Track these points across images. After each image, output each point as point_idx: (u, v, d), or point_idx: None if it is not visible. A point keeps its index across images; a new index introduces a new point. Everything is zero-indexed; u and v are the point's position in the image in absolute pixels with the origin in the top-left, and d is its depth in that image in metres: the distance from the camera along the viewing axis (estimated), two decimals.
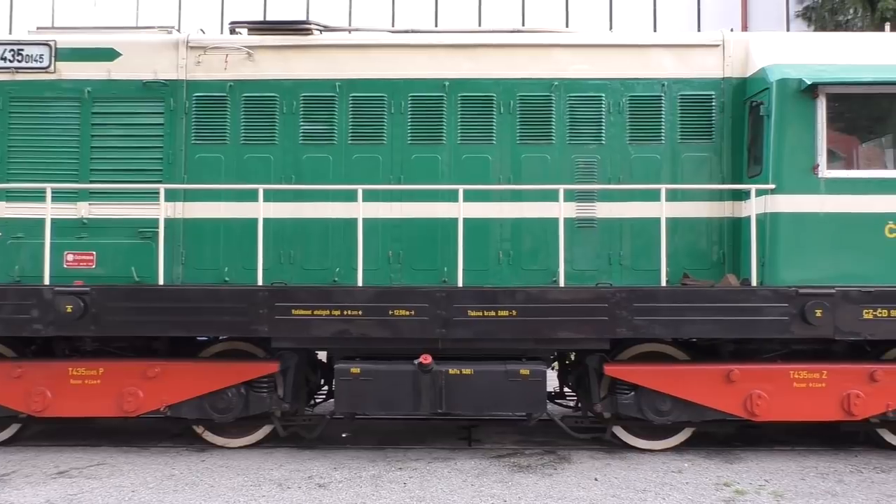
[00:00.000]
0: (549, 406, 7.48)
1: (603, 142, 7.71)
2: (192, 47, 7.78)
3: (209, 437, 7.44)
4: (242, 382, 7.18)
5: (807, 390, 6.98)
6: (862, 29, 15.72)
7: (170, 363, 7.24)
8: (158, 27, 8.17)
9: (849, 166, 7.32)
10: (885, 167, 7.30)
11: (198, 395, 7.14)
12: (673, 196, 7.37)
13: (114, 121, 7.70)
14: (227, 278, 7.60)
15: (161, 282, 7.17)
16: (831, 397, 6.97)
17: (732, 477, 6.48)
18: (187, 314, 6.94)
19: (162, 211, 7.24)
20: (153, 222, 7.30)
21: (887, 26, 9.16)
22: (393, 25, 18.70)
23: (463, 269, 7.05)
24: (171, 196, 7.53)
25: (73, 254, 7.55)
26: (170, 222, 7.47)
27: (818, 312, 6.72)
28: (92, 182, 7.61)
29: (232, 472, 6.57)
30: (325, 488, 6.14)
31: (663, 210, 7.06)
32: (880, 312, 6.79)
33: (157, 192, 7.26)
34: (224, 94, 7.75)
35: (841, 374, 7.00)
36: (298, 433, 7.57)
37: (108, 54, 7.74)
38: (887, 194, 6.97)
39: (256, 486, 6.20)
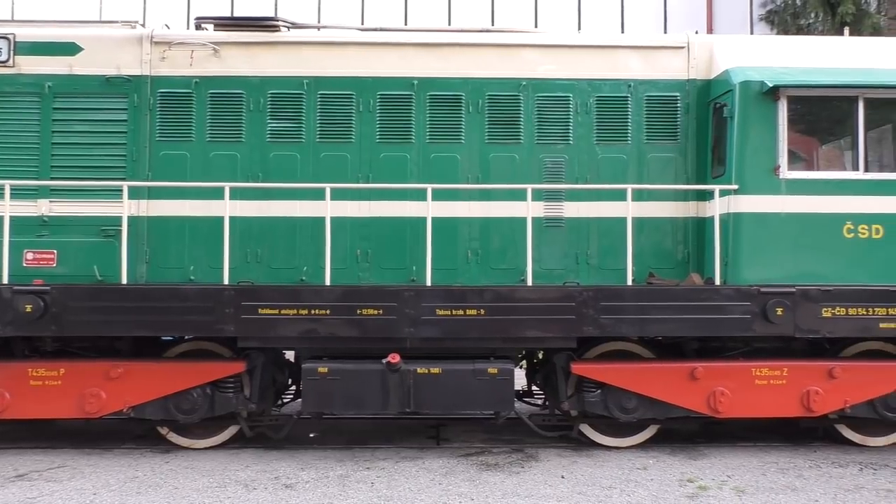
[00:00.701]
0: (517, 404, 7.51)
1: (570, 142, 7.77)
2: (156, 43, 7.65)
3: (174, 438, 7.34)
4: (208, 383, 7.09)
5: (768, 387, 7.11)
6: (822, 33, 16.04)
7: (133, 363, 7.12)
8: (122, 22, 8.02)
9: (809, 168, 7.50)
10: (844, 168, 7.49)
11: (162, 395, 7.03)
12: (639, 196, 7.46)
13: (75, 117, 7.55)
14: (192, 277, 7.51)
15: (124, 281, 7.04)
16: (791, 394, 7.11)
17: (696, 473, 6.58)
18: (151, 314, 6.82)
19: (125, 209, 7.12)
20: (116, 220, 7.17)
21: (846, 30, 9.39)
22: (362, 24, 18.62)
23: (431, 268, 7.05)
24: (135, 194, 7.41)
25: (33, 252, 7.38)
26: (133, 220, 7.36)
27: (779, 311, 6.86)
28: (53, 179, 7.45)
29: (197, 474, 6.49)
30: (292, 489, 6.09)
31: (629, 210, 7.14)
32: (839, 311, 6.94)
33: (121, 190, 7.14)
34: (189, 91, 7.64)
35: (801, 372, 7.15)
36: (265, 433, 7.50)
37: (70, 49, 7.59)
38: (845, 195, 7.14)
39: (222, 487, 6.13)
